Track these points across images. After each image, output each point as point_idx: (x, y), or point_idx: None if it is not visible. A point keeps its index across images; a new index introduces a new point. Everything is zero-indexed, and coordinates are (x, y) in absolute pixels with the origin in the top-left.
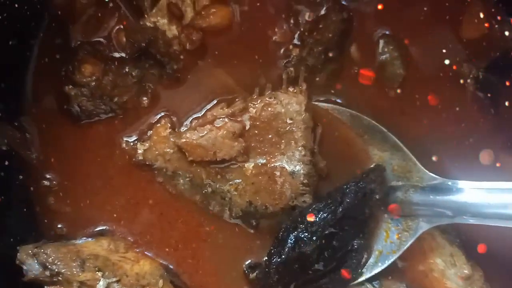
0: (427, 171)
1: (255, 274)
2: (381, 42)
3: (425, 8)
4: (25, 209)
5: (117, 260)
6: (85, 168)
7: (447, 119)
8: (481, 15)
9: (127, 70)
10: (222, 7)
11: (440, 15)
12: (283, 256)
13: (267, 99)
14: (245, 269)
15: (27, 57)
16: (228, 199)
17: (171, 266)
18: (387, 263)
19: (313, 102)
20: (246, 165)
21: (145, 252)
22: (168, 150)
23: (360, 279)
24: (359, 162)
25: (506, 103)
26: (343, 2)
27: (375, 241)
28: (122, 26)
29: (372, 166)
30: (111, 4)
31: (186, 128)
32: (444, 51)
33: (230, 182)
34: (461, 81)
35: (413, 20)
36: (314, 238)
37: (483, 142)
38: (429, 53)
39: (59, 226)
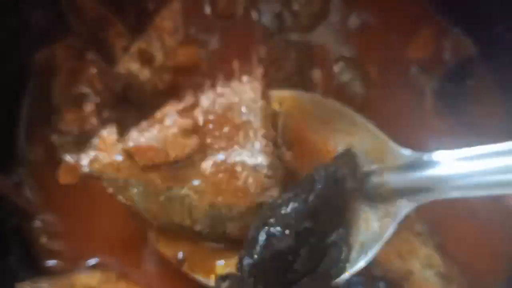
0: (401, 148)
1: (226, 283)
2: (340, 64)
3: (377, 30)
4: (20, 250)
5: None
6: (74, 208)
7: (410, 130)
8: (428, 35)
9: (107, 114)
10: (189, 48)
11: (391, 37)
12: (256, 256)
13: (219, 89)
14: (216, 283)
15: (17, 112)
16: (188, 204)
17: None
18: (371, 253)
19: (272, 90)
20: (203, 164)
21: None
22: (117, 157)
23: (344, 275)
24: (326, 152)
25: (465, 109)
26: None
27: (354, 232)
28: (98, 75)
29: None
30: (86, 56)
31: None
32: (399, 66)
33: (188, 185)
34: (420, 91)
35: (368, 43)
36: (287, 232)
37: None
38: (385, 71)
39: (53, 262)
